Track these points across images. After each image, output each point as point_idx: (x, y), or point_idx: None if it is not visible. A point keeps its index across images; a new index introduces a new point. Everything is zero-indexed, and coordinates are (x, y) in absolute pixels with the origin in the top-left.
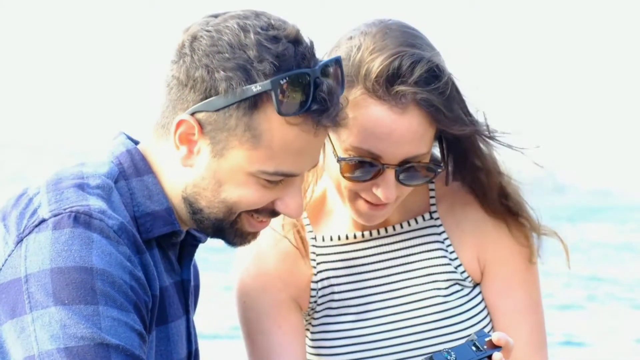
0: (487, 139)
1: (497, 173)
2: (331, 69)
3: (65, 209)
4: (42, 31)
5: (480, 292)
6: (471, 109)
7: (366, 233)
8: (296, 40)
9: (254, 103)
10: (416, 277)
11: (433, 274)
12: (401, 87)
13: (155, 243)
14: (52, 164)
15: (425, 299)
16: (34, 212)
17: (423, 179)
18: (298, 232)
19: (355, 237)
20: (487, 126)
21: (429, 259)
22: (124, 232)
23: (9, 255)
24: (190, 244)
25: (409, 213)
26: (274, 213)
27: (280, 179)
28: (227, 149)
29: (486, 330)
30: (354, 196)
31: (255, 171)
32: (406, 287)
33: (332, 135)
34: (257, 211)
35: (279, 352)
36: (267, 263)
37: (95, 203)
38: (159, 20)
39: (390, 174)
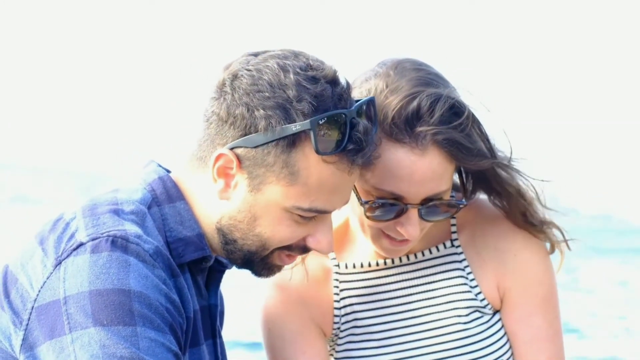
0: (504, 167)
1: (518, 197)
2: (365, 108)
3: (102, 234)
4: (42, 48)
5: (500, 319)
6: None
7: (388, 261)
8: (333, 81)
9: (292, 141)
10: (437, 304)
11: (454, 301)
12: (422, 128)
13: (187, 268)
14: (55, 184)
15: (446, 325)
16: (72, 236)
17: (445, 214)
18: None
19: (377, 264)
20: (506, 154)
21: (449, 286)
22: (160, 256)
23: (47, 278)
24: (217, 270)
25: (430, 241)
26: (305, 249)
27: (313, 216)
28: (264, 184)
29: (506, 357)
30: (378, 234)
31: (290, 207)
32: (428, 314)
33: None
34: (289, 248)
35: None
36: (291, 290)
37: (131, 228)
38: (167, 37)
39: (413, 212)
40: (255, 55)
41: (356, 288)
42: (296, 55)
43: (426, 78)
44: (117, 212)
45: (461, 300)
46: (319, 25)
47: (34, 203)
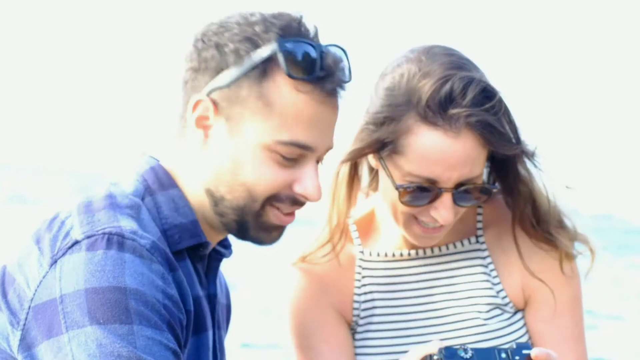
0: (529, 160)
1: (528, 200)
2: (332, 50)
3: (97, 231)
4: (41, 47)
5: (521, 319)
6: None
7: (412, 252)
8: (299, 21)
9: (263, 70)
10: (458, 299)
11: (474, 297)
12: (455, 110)
13: (186, 255)
14: (52, 185)
15: (465, 320)
16: (67, 234)
17: (477, 200)
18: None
19: (401, 255)
20: (532, 146)
21: (471, 282)
22: (157, 250)
23: (43, 277)
24: (214, 259)
25: (455, 235)
26: (295, 201)
27: (296, 156)
28: (241, 123)
29: None
30: (410, 220)
31: (270, 142)
32: (447, 308)
33: (388, 162)
34: (278, 199)
35: None
36: (312, 275)
37: (127, 224)
38: (166, 36)
39: (447, 197)
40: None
41: (378, 276)
42: (258, 11)
43: (458, 62)
44: (112, 208)
45: (482, 296)
46: (319, 24)
47: (31, 203)
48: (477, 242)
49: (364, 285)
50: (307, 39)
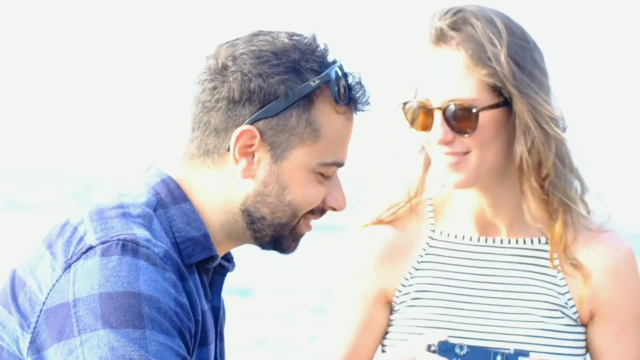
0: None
1: (545, 153)
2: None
3: (112, 237)
4: (38, 54)
5: (584, 332)
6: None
7: (482, 238)
8: (315, 40)
9: (311, 99)
10: (515, 292)
11: (533, 292)
12: (440, 23)
13: (195, 268)
14: (49, 190)
15: (518, 314)
16: (81, 239)
17: (469, 121)
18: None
19: (470, 239)
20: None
21: (533, 279)
22: (169, 259)
23: (56, 281)
24: (219, 273)
25: (528, 232)
26: (322, 212)
27: (332, 173)
28: (288, 149)
29: None
30: (438, 153)
31: (315, 165)
32: (502, 299)
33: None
34: (312, 212)
35: (349, 343)
36: (375, 245)
37: (140, 232)
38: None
39: (437, 115)
40: (233, 40)
41: (442, 256)
42: (269, 31)
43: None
44: (124, 216)
45: (541, 294)
46: (319, 25)
47: (28, 209)
48: (547, 243)
49: (425, 262)
50: (332, 61)
